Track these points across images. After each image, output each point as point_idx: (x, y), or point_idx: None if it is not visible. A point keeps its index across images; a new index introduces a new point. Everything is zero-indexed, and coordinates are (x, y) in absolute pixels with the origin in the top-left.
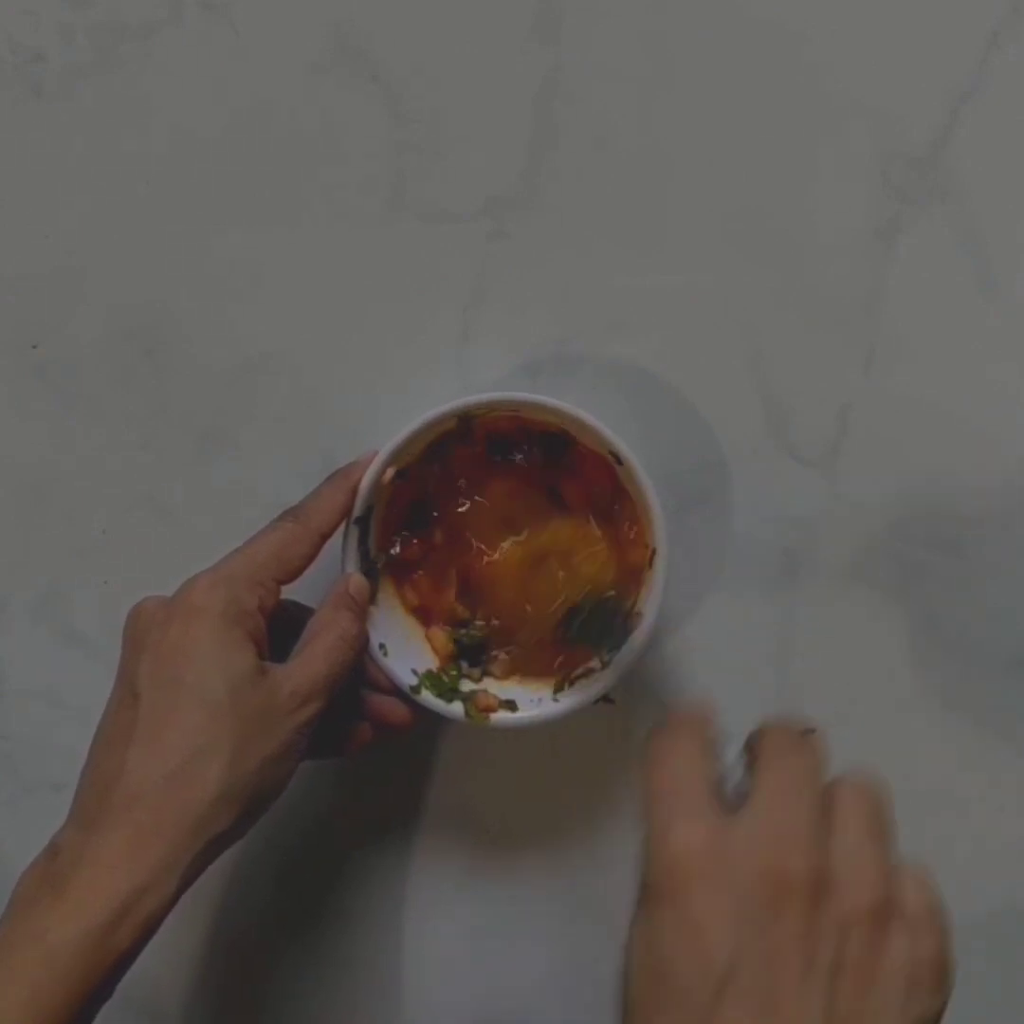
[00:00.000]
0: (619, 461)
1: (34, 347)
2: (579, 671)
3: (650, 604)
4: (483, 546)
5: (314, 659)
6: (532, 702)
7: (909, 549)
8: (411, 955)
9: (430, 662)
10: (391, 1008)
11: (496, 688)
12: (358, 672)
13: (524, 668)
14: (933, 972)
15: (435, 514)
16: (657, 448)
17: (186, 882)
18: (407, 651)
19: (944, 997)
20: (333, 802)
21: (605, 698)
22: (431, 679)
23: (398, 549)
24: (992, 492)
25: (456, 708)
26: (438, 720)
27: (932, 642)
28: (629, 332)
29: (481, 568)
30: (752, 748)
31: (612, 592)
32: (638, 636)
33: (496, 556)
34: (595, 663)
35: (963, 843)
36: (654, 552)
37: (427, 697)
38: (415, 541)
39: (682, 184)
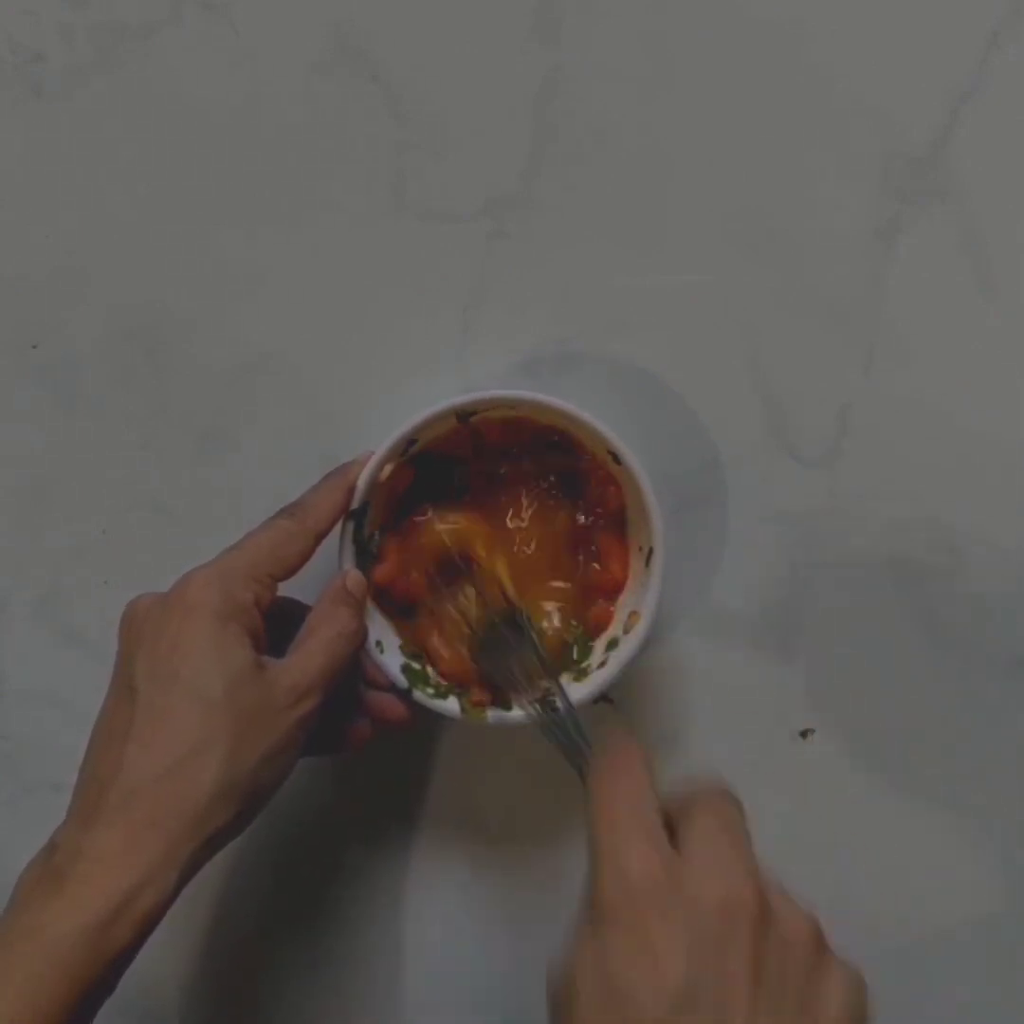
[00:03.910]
0: (617, 461)
1: (34, 347)
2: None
3: (647, 604)
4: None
5: (312, 654)
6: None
7: (909, 549)
8: (411, 954)
9: (423, 660)
10: (390, 1007)
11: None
12: (357, 669)
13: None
14: (863, 995)
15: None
16: (657, 448)
17: (184, 878)
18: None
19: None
20: (333, 801)
21: (605, 698)
22: (420, 675)
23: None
24: (992, 492)
25: (451, 704)
26: (438, 719)
27: (932, 642)
28: (629, 332)
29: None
30: (675, 797)
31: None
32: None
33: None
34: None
35: (963, 842)
36: (651, 552)
37: (421, 694)
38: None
39: (682, 184)
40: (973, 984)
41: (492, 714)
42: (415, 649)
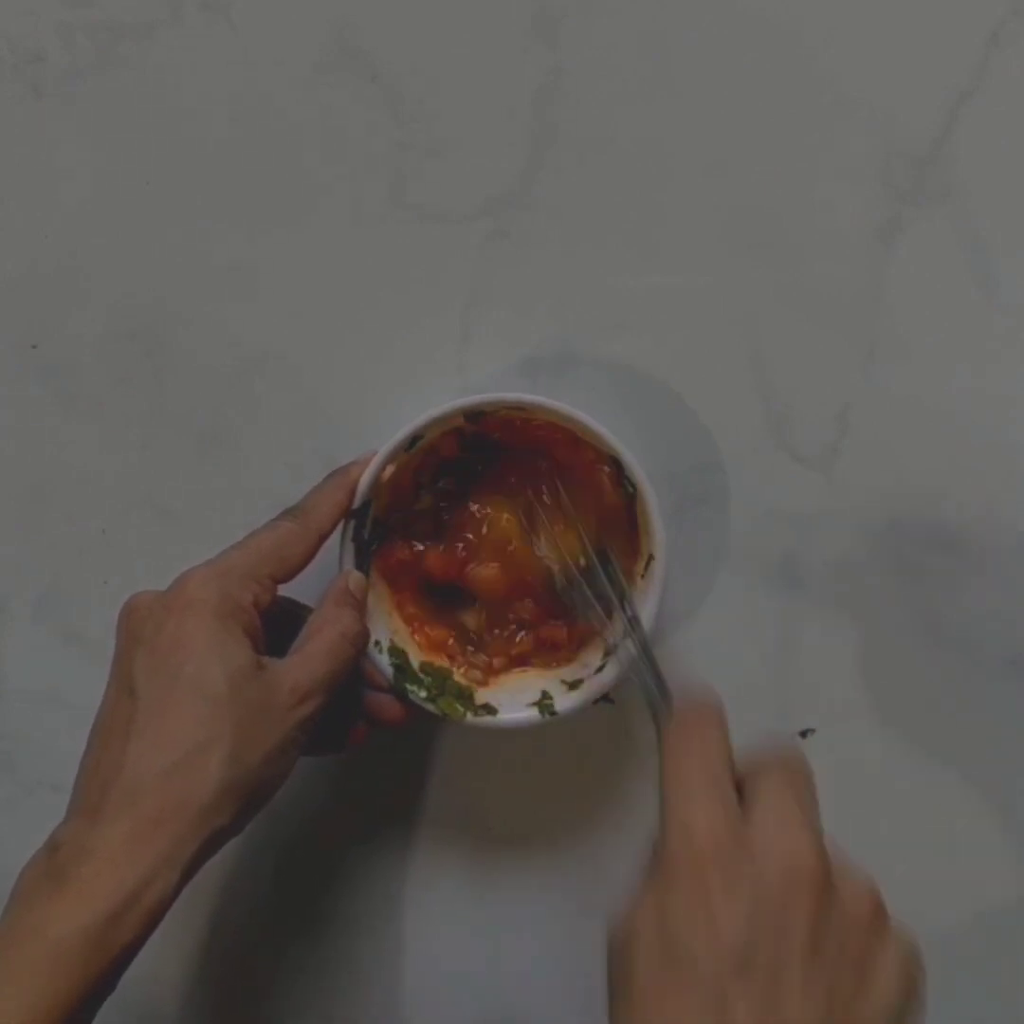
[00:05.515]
0: (619, 465)
1: (34, 347)
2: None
3: (648, 610)
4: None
5: (315, 656)
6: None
7: (908, 549)
8: (411, 954)
9: (417, 660)
10: (390, 1007)
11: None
12: (357, 670)
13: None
14: (918, 969)
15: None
16: (656, 448)
17: (187, 875)
18: (394, 646)
19: (922, 997)
20: (333, 801)
21: (605, 698)
22: (410, 675)
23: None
24: (991, 492)
25: (429, 705)
26: (439, 719)
27: (931, 642)
28: (629, 332)
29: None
30: (746, 758)
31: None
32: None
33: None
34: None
35: (963, 842)
36: (651, 558)
37: (415, 694)
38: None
39: (682, 184)
40: (975, 986)
41: (496, 717)
42: (402, 646)
